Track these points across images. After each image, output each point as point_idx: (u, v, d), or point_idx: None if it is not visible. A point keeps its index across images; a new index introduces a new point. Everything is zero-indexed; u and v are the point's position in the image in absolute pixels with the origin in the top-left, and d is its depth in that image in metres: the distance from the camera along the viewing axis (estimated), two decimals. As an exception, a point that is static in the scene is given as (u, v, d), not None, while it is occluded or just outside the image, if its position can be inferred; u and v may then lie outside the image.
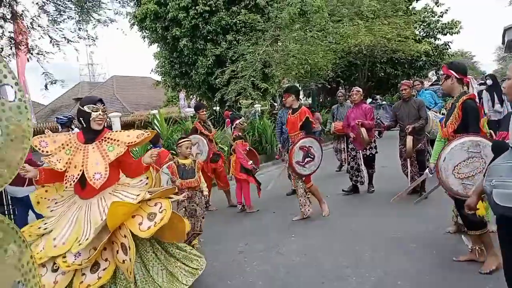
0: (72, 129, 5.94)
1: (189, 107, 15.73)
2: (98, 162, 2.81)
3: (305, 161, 5.04)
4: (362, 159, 6.21)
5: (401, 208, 5.12)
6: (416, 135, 5.50)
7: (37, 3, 7.97)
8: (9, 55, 8.35)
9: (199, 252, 3.60)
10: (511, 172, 1.84)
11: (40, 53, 8.23)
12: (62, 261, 2.61)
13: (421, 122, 5.50)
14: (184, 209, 4.22)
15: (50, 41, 8.21)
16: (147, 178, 3.23)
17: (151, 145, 5.46)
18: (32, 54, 8.21)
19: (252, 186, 5.85)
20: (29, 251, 1.64)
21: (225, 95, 11.47)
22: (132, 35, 50.85)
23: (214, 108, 13.46)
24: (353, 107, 6.33)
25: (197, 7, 11.15)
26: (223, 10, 11.53)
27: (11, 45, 8.12)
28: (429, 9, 19.38)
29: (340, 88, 19.30)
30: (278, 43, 12.20)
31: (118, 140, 2.93)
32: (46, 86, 8.27)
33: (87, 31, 8.72)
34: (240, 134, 6.00)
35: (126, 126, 10.96)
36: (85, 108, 2.91)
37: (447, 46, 19.90)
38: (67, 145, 2.90)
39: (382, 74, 19.37)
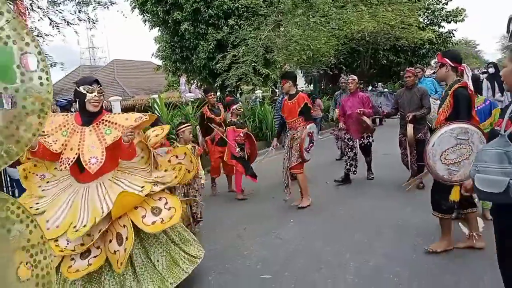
0: (72, 112, 5.90)
1: (189, 92, 15.61)
2: (94, 145, 2.70)
3: (309, 146, 5.07)
4: (359, 147, 6.20)
5: (402, 196, 5.12)
6: (417, 124, 5.33)
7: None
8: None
9: (197, 237, 3.60)
10: (497, 158, 1.86)
11: (40, 35, 8.16)
12: (55, 245, 2.51)
13: (423, 111, 5.33)
14: (183, 194, 4.21)
15: (50, 23, 8.15)
16: (142, 150, 3.16)
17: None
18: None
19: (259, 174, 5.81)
20: (39, 231, 1.54)
21: (226, 80, 11.39)
22: (133, 18, 50.24)
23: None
24: (348, 96, 6.27)
25: (198, -10, 11.04)
26: (225, -6, 11.40)
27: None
28: (434, -5, 19.15)
29: (342, 74, 19.16)
30: (281, 28, 12.08)
31: (116, 123, 2.83)
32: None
33: (87, 13, 8.65)
34: (235, 120, 5.93)
35: (126, 110, 10.86)
36: (81, 89, 2.83)
37: (451, 34, 19.66)
38: (64, 126, 2.81)
39: (385, 61, 19.19)
